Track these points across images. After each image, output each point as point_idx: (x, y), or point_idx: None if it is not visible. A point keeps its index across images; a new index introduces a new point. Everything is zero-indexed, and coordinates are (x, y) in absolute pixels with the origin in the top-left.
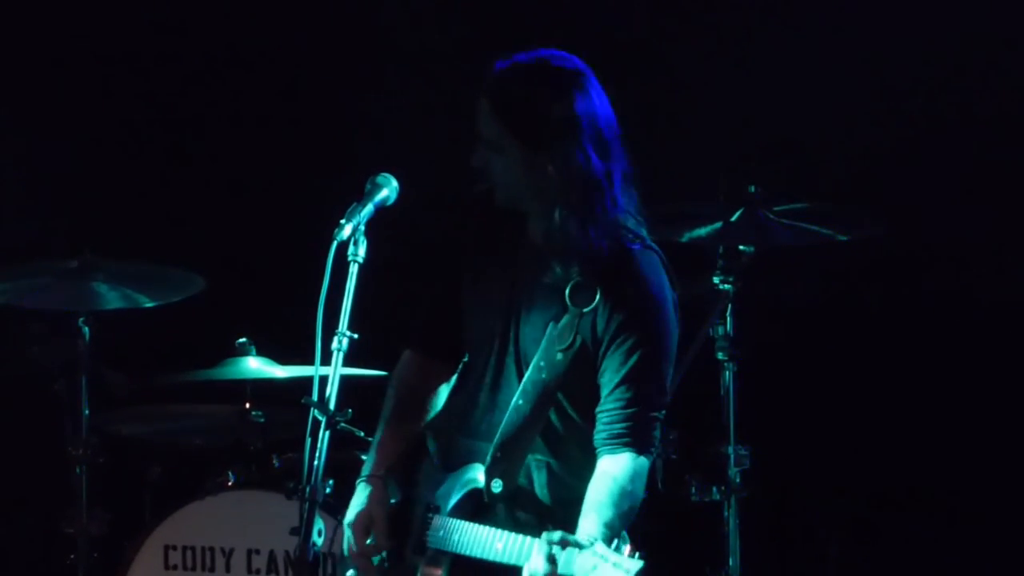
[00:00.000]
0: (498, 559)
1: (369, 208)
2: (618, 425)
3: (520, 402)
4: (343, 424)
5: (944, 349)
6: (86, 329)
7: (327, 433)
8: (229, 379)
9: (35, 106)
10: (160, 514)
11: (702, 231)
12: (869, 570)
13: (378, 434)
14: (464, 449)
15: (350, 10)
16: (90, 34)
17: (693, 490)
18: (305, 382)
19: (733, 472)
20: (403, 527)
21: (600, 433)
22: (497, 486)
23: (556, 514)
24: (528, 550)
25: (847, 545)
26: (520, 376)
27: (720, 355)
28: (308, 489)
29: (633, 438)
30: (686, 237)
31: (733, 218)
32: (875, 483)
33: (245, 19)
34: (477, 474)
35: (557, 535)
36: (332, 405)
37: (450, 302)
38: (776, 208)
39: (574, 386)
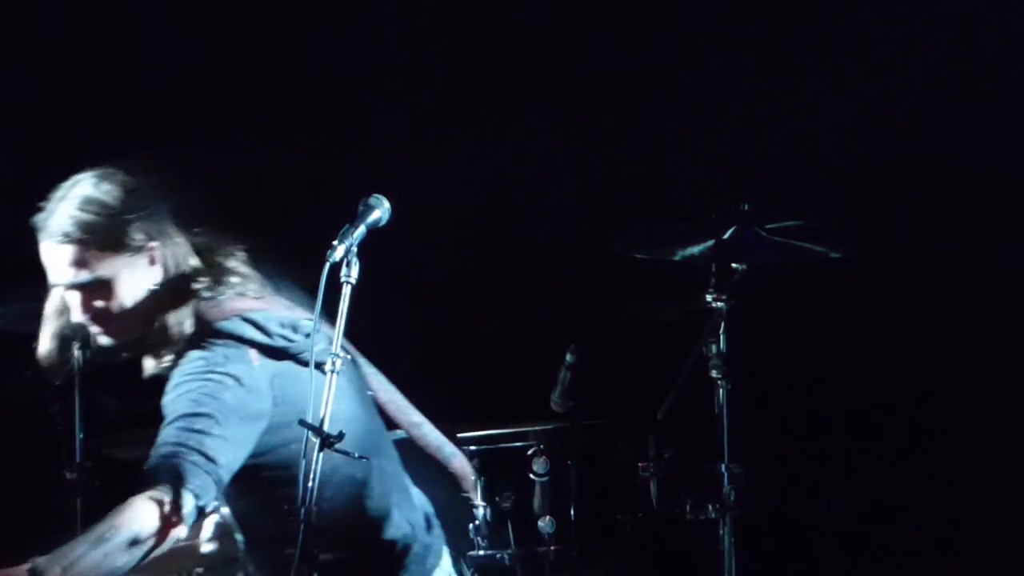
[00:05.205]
0: None
1: (362, 230)
2: None
3: None
4: (337, 446)
5: (941, 365)
6: (80, 353)
7: (321, 455)
8: None
9: (38, 126)
10: None
11: (695, 249)
12: None
13: None
14: None
15: (357, 36)
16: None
17: (688, 508)
18: None
19: (728, 490)
20: None
21: None
22: None
23: None
24: None
25: (842, 563)
26: None
27: (714, 373)
28: (303, 511)
29: None
30: (679, 256)
31: (726, 236)
32: (871, 501)
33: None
34: None
35: None
36: (326, 427)
37: None
38: (768, 225)
39: None
